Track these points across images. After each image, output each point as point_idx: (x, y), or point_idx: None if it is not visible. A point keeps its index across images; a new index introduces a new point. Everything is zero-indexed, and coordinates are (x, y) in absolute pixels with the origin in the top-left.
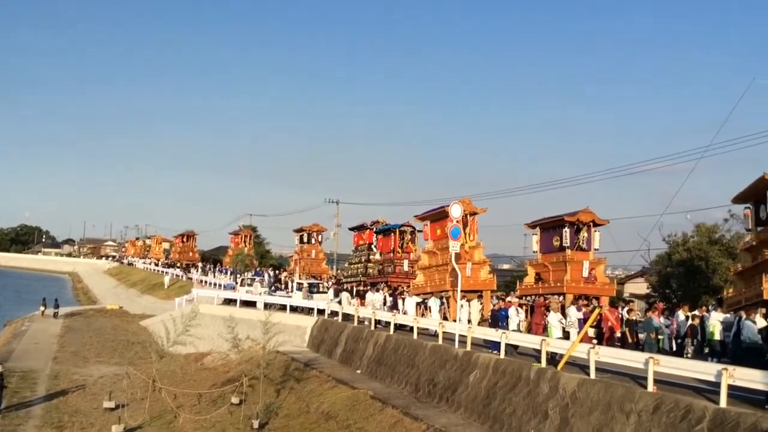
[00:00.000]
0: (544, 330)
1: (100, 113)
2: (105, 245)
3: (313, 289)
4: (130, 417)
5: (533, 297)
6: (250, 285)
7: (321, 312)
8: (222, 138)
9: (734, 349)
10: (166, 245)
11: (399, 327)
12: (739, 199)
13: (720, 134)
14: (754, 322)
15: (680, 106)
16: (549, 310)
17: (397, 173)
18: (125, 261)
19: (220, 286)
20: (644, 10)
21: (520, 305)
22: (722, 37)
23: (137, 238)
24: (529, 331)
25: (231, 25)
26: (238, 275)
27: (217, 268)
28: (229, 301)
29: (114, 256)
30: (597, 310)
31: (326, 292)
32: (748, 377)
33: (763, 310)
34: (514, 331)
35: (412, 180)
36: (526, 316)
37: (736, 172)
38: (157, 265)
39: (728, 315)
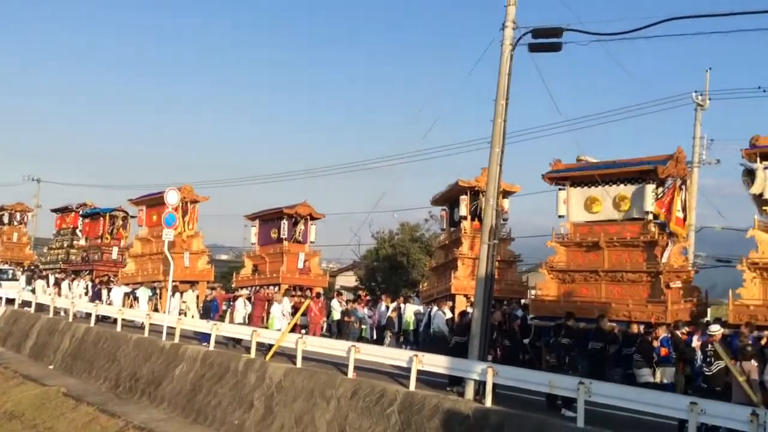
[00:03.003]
0: (265, 321)
1: None
2: None
3: (2, 276)
4: None
5: (252, 288)
6: None
7: (11, 302)
8: None
9: (425, 338)
10: None
11: (103, 319)
12: (437, 202)
13: (427, 141)
14: (444, 313)
15: (399, 109)
16: (272, 302)
17: (106, 155)
18: None
19: None
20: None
21: (248, 298)
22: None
23: None
24: (249, 322)
25: None
26: None
27: None
28: None
29: None
30: (307, 301)
31: (18, 280)
32: (435, 363)
33: (450, 303)
34: (239, 323)
35: (131, 164)
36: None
37: (437, 177)
38: None
39: (422, 306)
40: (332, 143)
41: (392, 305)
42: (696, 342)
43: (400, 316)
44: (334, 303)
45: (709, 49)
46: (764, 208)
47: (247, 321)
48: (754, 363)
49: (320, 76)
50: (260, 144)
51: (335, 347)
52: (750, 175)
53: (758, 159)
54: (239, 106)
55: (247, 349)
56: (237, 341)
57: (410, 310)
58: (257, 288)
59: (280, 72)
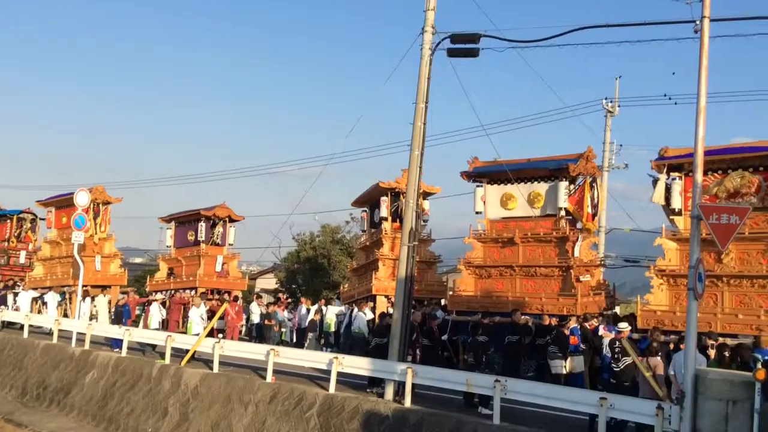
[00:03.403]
0: (181, 326)
1: None
2: None
3: None
4: None
5: (167, 292)
6: None
7: None
8: None
9: (345, 339)
10: None
11: (9, 325)
12: (358, 203)
13: (349, 143)
14: (365, 314)
15: (316, 113)
16: (189, 306)
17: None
18: None
19: None
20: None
21: (163, 302)
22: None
23: None
24: (166, 327)
25: None
26: None
27: None
28: None
29: None
30: (225, 305)
31: None
32: (355, 364)
33: (371, 304)
34: (155, 329)
35: (43, 164)
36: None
37: (358, 179)
38: None
39: (343, 308)
40: (253, 145)
41: (313, 308)
42: (602, 331)
43: (322, 319)
44: (254, 306)
45: (620, 58)
46: (672, 217)
47: (162, 326)
48: (659, 359)
49: (241, 77)
50: (179, 146)
51: (253, 351)
52: (658, 185)
53: (666, 170)
54: (154, 108)
55: (162, 355)
56: (152, 347)
57: (332, 312)
58: (172, 292)
59: (198, 73)
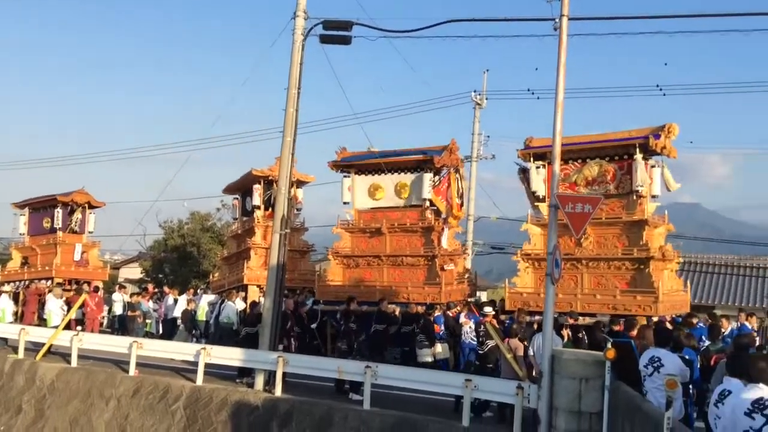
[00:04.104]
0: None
1: None
2: None
3: None
4: None
5: (21, 283)
6: None
7: None
8: None
9: (215, 330)
10: None
11: None
12: (229, 190)
13: (221, 129)
14: (235, 304)
15: (191, 95)
16: (44, 297)
17: None
18: None
19: None
20: None
21: (15, 293)
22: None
23: None
24: (21, 320)
25: None
26: None
27: None
28: None
29: None
30: (83, 296)
31: None
32: (225, 355)
33: (243, 294)
34: (10, 322)
35: None
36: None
37: (231, 165)
38: None
39: (214, 297)
40: (116, 128)
41: (182, 298)
42: (463, 319)
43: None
44: (116, 296)
45: (490, 52)
46: (536, 204)
47: (18, 318)
48: (518, 340)
49: (105, 56)
50: (35, 128)
51: (116, 344)
52: (525, 173)
53: (532, 159)
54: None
55: (15, 349)
56: (4, 341)
57: (204, 302)
58: (27, 282)
59: (54, 53)
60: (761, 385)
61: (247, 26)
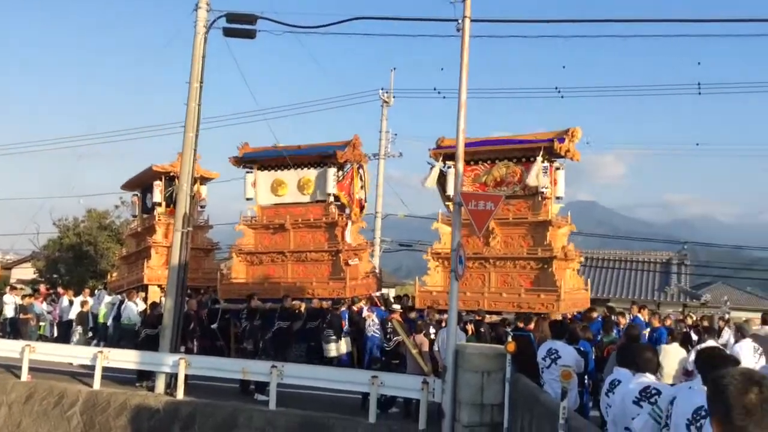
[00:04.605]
0: None
1: None
2: None
3: None
4: None
5: None
6: None
7: None
8: None
9: (114, 332)
10: None
11: None
12: (128, 187)
13: (121, 122)
14: (135, 305)
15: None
16: None
17: None
18: None
19: None
20: None
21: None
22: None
23: None
24: None
25: None
26: None
27: None
28: None
29: None
30: None
31: None
32: (123, 358)
33: (143, 294)
34: None
35: None
36: None
37: (130, 161)
38: None
39: (113, 298)
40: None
41: (77, 299)
42: (366, 312)
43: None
44: (7, 298)
45: (397, 51)
46: (446, 203)
47: None
48: (423, 336)
49: None
50: None
51: (6, 348)
52: (442, 173)
53: (442, 158)
54: None
55: None
56: None
57: (104, 303)
58: None
59: None
60: (648, 374)
61: (150, 17)
